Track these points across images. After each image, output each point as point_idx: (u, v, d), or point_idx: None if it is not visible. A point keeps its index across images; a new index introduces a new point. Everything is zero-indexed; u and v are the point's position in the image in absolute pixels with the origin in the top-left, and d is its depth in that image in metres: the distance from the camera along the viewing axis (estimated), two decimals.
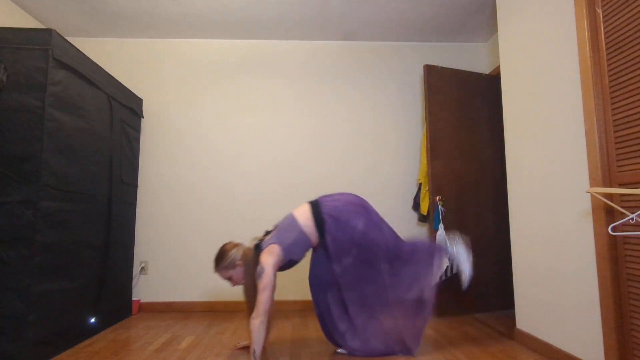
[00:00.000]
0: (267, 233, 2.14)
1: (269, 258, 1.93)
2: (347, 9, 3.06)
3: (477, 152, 3.21)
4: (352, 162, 3.46)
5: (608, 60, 1.77)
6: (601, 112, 1.79)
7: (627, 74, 1.67)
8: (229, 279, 2.09)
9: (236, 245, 2.13)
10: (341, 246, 1.98)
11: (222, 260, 2.06)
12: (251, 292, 1.99)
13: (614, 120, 1.73)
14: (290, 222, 2.06)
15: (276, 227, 2.12)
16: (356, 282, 2.00)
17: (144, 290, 3.26)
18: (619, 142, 1.71)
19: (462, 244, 2.15)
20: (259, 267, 1.91)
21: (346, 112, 3.51)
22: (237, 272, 2.07)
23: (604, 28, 1.79)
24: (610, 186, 1.74)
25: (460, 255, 2.12)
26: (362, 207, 2.07)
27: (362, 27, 3.35)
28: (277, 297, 3.25)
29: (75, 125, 2.35)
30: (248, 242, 2.15)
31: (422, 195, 3.25)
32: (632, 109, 1.64)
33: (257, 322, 1.84)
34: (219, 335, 2.54)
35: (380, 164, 3.47)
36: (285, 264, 2.07)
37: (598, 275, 1.78)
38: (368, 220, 2.02)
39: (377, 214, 2.11)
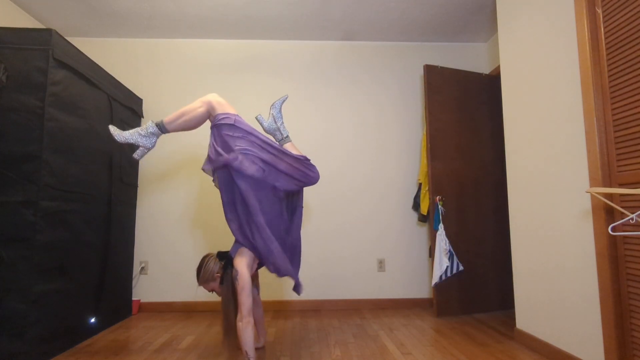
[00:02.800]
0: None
1: (241, 260, 1.95)
2: (348, 9, 3.06)
3: (477, 152, 3.21)
4: (353, 162, 3.46)
5: (608, 60, 1.77)
6: (601, 112, 1.79)
7: (627, 74, 1.67)
8: (213, 290, 2.07)
9: (215, 256, 2.11)
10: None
11: (201, 273, 2.03)
12: (228, 304, 1.96)
13: (614, 120, 1.73)
14: None
15: None
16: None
17: (144, 290, 3.26)
18: (619, 142, 1.71)
19: None
20: (233, 271, 1.93)
21: (347, 111, 3.51)
22: (218, 284, 2.04)
23: (604, 28, 1.79)
24: (610, 186, 1.74)
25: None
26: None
27: (363, 27, 3.35)
28: (277, 297, 3.28)
29: (75, 125, 2.35)
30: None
31: (422, 195, 3.25)
32: (632, 109, 1.64)
33: (244, 323, 1.84)
34: (219, 335, 2.54)
35: (381, 163, 3.47)
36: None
37: (598, 275, 1.78)
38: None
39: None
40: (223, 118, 1.99)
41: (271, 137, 2.18)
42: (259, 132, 2.02)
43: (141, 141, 1.99)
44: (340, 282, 3.34)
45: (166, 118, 2.03)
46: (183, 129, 2.06)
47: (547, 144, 2.14)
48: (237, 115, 2.03)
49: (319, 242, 3.37)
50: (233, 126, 1.98)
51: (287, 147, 2.16)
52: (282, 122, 2.22)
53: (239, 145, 1.95)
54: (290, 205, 2.16)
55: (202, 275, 2.02)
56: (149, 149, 2.03)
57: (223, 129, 1.98)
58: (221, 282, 2.00)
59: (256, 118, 2.25)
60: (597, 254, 1.78)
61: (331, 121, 3.49)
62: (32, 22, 3.14)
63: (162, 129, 2.01)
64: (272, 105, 2.24)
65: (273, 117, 2.22)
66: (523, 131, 2.37)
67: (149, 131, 2.00)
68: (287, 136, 2.21)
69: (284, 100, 2.27)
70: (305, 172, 2.06)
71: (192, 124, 2.04)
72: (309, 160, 2.10)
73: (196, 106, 2.02)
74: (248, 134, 1.99)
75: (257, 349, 2.20)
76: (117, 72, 3.41)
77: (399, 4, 3.00)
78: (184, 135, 3.42)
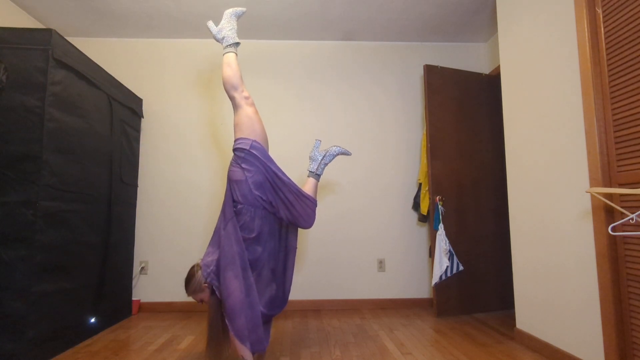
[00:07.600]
0: None
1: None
2: (347, 9, 3.06)
3: (477, 152, 3.21)
4: (353, 162, 3.46)
5: (608, 60, 1.77)
6: (601, 112, 1.79)
7: (627, 74, 1.67)
8: (202, 301, 2.04)
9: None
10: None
11: (189, 284, 1.99)
12: (216, 315, 1.94)
13: (614, 120, 1.73)
14: None
15: None
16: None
17: (144, 290, 3.26)
18: (619, 142, 1.71)
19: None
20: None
21: (347, 111, 3.51)
22: (206, 295, 2.01)
23: (604, 28, 1.79)
24: (610, 186, 1.74)
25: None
26: None
27: (363, 27, 3.35)
28: None
29: (75, 125, 2.35)
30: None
31: (422, 195, 3.25)
32: (632, 109, 1.64)
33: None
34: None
35: (381, 163, 3.47)
36: None
37: (598, 275, 1.78)
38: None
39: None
40: (240, 143, 2.02)
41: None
42: (272, 162, 2.04)
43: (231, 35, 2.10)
44: (340, 282, 3.34)
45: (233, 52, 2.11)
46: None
47: (547, 144, 2.14)
48: (255, 140, 2.02)
49: (319, 242, 3.37)
50: (246, 151, 1.99)
51: (308, 181, 2.24)
52: (326, 164, 2.32)
53: (247, 167, 1.98)
54: (285, 242, 2.13)
55: (191, 286, 1.98)
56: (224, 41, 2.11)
57: (236, 152, 2.02)
58: (212, 293, 1.96)
59: (315, 140, 2.45)
60: (597, 254, 1.78)
61: (330, 121, 3.49)
62: (32, 22, 3.14)
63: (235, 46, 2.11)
64: (336, 146, 2.35)
65: (325, 154, 2.32)
66: (523, 131, 2.37)
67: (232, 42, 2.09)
68: (319, 175, 2.29)
69: (344, 153, 2.37)
70: (299, 214, 2.05)
71: (226, 71, 2.08)
72: (315, 205, 2.12)
73: (235, 83, 2.05)
74: (257, 159, 1.99)
75: None
76: (117, 72, 3.42)
77: (399, 4, 3.00)
78: (184, 135, 3.42)
